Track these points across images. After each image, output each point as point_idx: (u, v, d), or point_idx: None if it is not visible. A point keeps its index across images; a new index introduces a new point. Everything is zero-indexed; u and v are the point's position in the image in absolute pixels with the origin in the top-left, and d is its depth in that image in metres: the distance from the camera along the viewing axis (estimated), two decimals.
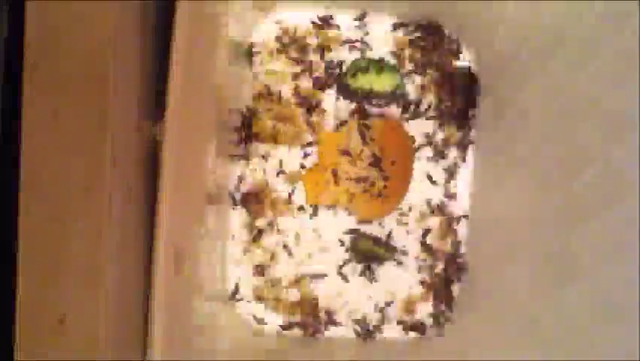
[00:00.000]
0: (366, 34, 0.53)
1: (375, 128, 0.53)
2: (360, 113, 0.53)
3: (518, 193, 0.47)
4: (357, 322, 0.52)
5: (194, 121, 0.39)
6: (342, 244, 0.53)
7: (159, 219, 0.33)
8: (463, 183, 0.54)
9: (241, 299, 0.52)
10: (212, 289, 0.48)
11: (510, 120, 0.49)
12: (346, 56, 0.53)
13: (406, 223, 0.53)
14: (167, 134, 0.34)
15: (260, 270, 0.52)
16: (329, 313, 0.52)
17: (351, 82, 0.53)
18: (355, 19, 0.53)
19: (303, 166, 0.53)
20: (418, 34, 0.54)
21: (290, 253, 0.52)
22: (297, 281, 0.52)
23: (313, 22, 0.53)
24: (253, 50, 0.53)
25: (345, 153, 0.53)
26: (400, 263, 0.53)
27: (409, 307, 0.53)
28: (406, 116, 0.53)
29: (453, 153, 0.54)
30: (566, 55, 0.42)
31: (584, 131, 0.40)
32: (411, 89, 0.54)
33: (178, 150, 0.34)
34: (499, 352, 0.43)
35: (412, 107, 0.53)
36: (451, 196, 0.54)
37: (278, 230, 0.52)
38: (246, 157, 0.52)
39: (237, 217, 0.52)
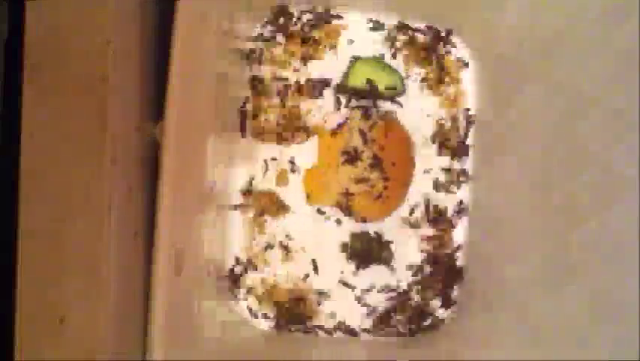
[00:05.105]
0: (367, 33, 0.53)
1: (375, 129, 0.53)
2: (361, 114, 0.53)
3: (518, 193, 0.47)
4: (356, 321, 0.52)
5: (194, 121, 0.39)
6: (342, 244, 0.53)
7: (159, 219, 0.33)
8: (463, 183, 0.54)
9: (241, 299, 0.52)
10: (212, 290, 0.48)
11: (510, 120, 0.49)
12: (347, 55, 0.53)
13: (406, 224, 0.53)
14: (166, 134, 0.34)
15: (259, 270, 0.52)
16: (328, 312, 0.52)
17: (352, 81, 0.53)
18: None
19: (302, 167, 0.53)
20: (417, 34, 0.54)
21: (289, 254, 0.52)
22: (296, 281, 0.52)
23: (313, 20, 0.53)
24: (253, 49, 0.53)
25: (346, 153, 0.53)
26: (399, 264, 0.53)
27: (408, 307, 0.53)
28: (406, 116, 0.53)
29: (453, 154, 0.54)
30: (566, 55, 0.42)
31: (584, 131, 0.40)
32: (411, 89, 0.54)
33: (178, 150, 0.34)
34: (498, 352, 0.43)
35: (412, 107, 0.53)
36: (450, 197, 0.54)
37: (277, 231, 0.52)
38: (246, 157, 0.52)
39: (237, 217, 0.52)
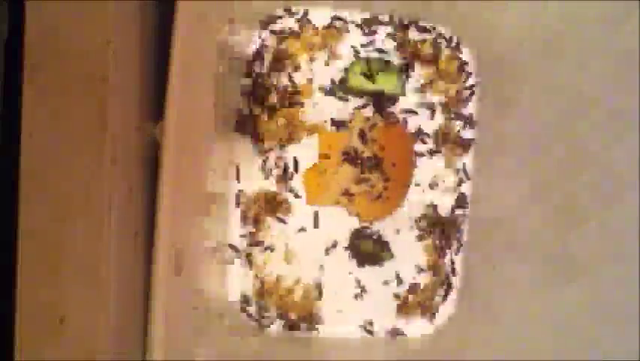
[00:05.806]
0: (368, 34, 0.53)
1: (375, 129, 0.53)
2: (361, 114, 0.53)
3: (518, 193, 0.47)
4: (357, 321, 0.52)
5: (194, 121, 0.39)
6: (342, 244, 0.53)
7: (159, 219, 0.33)
8: (463, 183, 0.54)
9: (241, 300, 0.52)
10: (212, 290, 0.48)
11: (510, 120, 0.49)
12: (347, 55, 0.53)
13: (406, 224, 0.53)
14: (166, 134, 0.34)
15: (260, 270, 0.52)
16: (329, 313, 0.52)
17: (352, 82, 0.53)
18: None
19: (302, 167, 0.53)
20: (417, 34, 0.54)
21: (289, 254, 0.52)
22: (297, 282, 0.52)
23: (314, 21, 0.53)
24: (252, 50, 0.52)
25: (346, 153, 0.53)
26: (399, 264, 0.53)
27: (409, 307, 0.53)
28: (407, 116, 0.53)
29: (452, 154, 0.54)
30: (566, 55, 0.42)
31: (583, 131, 0.40)
32: (410, 89, 0.54)
33: (178, 150, 0.34)
34: (498, 351, 0.43)
35: (412, 107, 0.53)
36: (450, 197, 0.54)
37: (277, 231, 0.52)
38: (246, 157, 0.52)
39: (237, 217, 0.52)
